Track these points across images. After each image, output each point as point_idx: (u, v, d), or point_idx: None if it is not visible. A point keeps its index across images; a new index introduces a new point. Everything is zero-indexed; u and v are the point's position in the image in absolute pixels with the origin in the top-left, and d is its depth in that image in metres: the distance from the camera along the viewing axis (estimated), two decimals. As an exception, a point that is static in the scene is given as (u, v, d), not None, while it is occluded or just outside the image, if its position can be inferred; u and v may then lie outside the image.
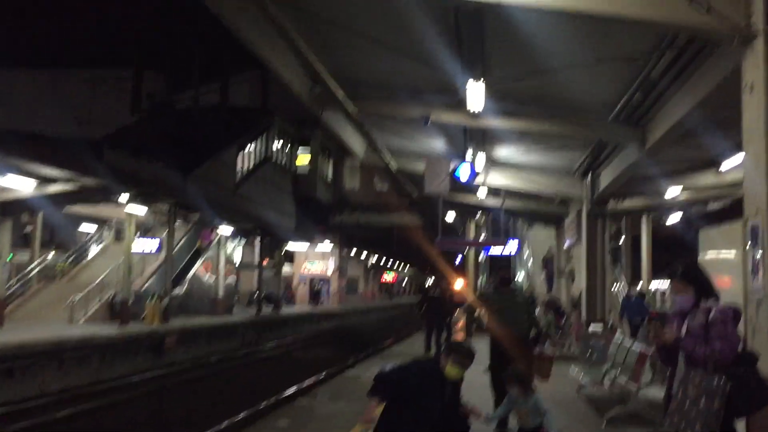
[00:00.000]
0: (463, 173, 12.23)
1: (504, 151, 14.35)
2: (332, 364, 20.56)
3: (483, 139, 13.33)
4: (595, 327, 13.15)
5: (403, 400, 5.45)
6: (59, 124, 18.57)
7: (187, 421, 12.51)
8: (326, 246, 44.90)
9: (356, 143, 15.51)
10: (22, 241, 29.52)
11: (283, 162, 35.10)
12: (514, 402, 5.90)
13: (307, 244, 41.60)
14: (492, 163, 14.92)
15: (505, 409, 6.12)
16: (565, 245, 19.45)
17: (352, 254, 50.86)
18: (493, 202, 19.81)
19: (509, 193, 17.59)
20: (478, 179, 14.65)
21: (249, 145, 30.51)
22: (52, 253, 29.16)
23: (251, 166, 30.69)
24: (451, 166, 12.91)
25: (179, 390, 16.61)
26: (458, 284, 37.03)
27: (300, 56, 9.33)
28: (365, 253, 54.06)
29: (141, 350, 19.92)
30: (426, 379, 5.53)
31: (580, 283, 14.60)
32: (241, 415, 12.67)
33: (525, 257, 25.55)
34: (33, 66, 24.92)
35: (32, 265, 26.63)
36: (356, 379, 12.37)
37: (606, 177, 13.48)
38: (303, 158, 37.46)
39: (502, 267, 10.50)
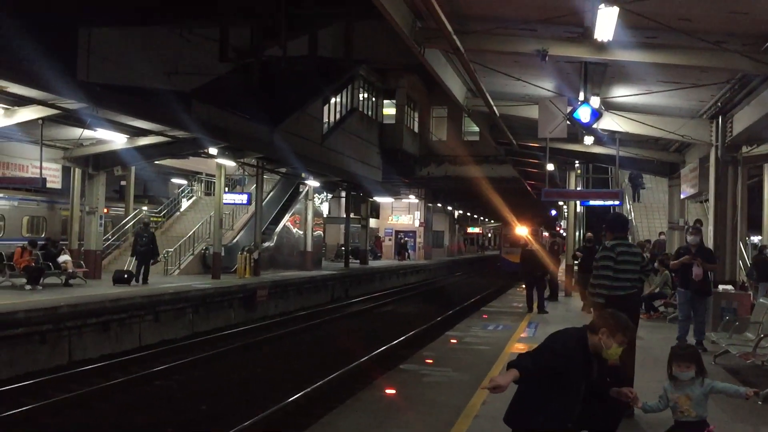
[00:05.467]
0: (584, 114, 11.06)
1: (621, 91, 12.99)
2: (425, 321, 19.97)
3: (602, 78, 12.04)
4: (725, 287, 11.84)
5: (546, 382, 4.57)
6: (150, 77, 18.24)
7: (284, 382, 12.07)
8: (412, 198, 44.22)
9: (456, 87, 14.45)
10: (117, 194, 30.06)
11: (369, 113, 34.44)
12: (680, 388, 4.70)
13: (393, 197, 41.03)
14: (606, 106, 13.58)
15: (665, 401, 4.75)
16: (682, 196, 17.89)
17: (438, 206, 49.95)
18: (600, 150, 18.44)
19: (622, 140, 16.20)
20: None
21: (334, 96, 29.94)
22: (145, 206, 29.58)
23: (337, 117, 30.17)
24: (568, 109, 11.77)
25: (272, 344, 16.36)
26: (521, 230, 37.10)
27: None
28: (451, 206, 53.02)
29: (234, 303, 19.82)
30: (573, 357, 4.62)
31: (707, 237, 13.20)
32: (341, 377, 12.18)
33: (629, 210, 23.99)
34: (124, 23, 24.96)
35: (127, 218, 27.04)
36: (460, 341, 11.61)
37: (743, 119, 11.98)
38: (389, 109, 36.76)
39: (617, 216, 9.40)
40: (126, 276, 18.48)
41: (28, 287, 16.09)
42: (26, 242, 17.52)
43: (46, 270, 16.99)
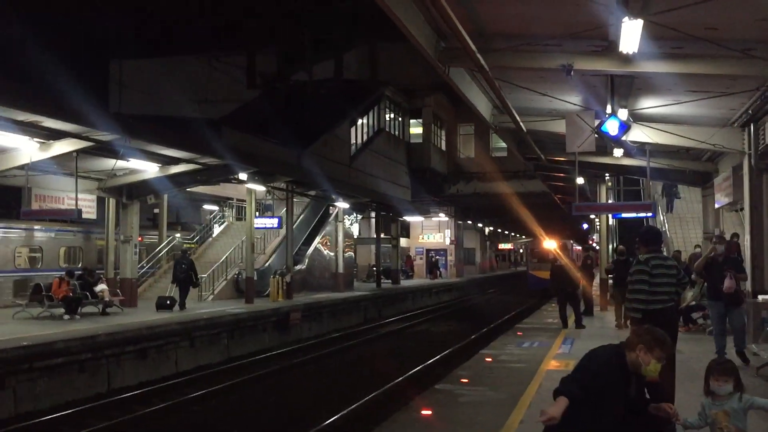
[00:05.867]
0: (611, 127, 10.97)
1: (649, 103, 12.89)
2: (459, 339, 19.85)
3: (629, 90, 11.97)
4: (764, 297, 11.59)
5: (584, 400, 4.53)
6: (180, 106, 18.63)
7: (320, 404, 12.07)
8: (442, 217, 44.14)
9: (482, 104, 14.47)
10: (150, 222, 30.51)
11: (396, 133, 34.60)
12: (718, 403, 4.57)
13: (423, 216, 41.01)
14: (634, 118, 13.48)
15: (704, 417, 4.59)
16: (716, 205, 17.60)
17: (468, 224, 49.74)
18: (630, 162, 18.26)
19: (652, 151, 16.02)
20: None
21: (361, 118, 30.16)
22: (179, 233, 29.96)
23: (364, 138, 30.35)
24: (595, 123, 11.71)
25: (307, 367, 16.39)
26: (549, 244, 34.77)
27: (428, 7, 8.42)
28: (481, 223, 52.76)
29: (268, 327, 19.92)
30: (611, 376, 4.57)
31: (744, 247, 12.95)
32: (376, 398, 12.16)
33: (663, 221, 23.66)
34: (154, 54, 25.58)
35: (161, 246, 27.41)
36: (495, 359, 11.52)
37: (776, 125, 11.81)
38: (415, 128, 36.90)
39: (649, 228, 9.30)
40: (168, 302, 18.99)
41: (66, 317, 16.36)
42: (63, 273, 17.85)
43: (84, 299, 17.26)
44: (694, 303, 14.23)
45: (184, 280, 19.70)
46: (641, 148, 15.67)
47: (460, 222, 46.92)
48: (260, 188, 23.64)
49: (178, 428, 10.85)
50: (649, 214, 19.09)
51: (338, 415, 10.66)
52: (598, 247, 26.74)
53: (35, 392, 11.97)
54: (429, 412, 7.59)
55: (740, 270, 10.15)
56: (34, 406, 11.71)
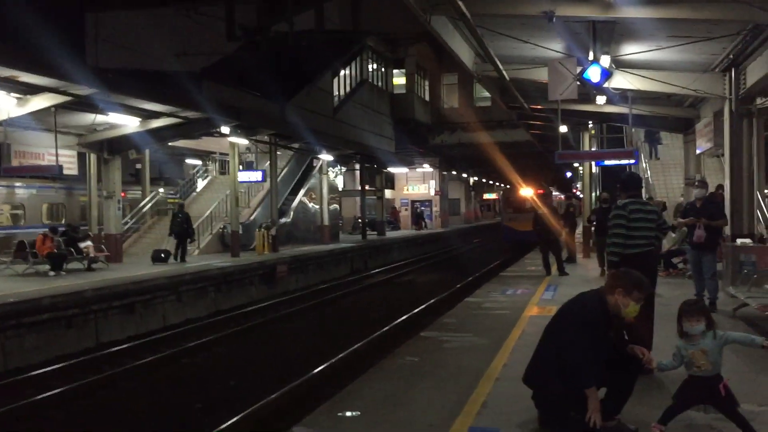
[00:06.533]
0: (593, 74, 10.95)
1: (631, 49, 12.85)
2: (444, 288, 20.11)
3: (611, 36, 11.91)
4: (742, 241, 11.78)
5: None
6: (159, 59, 18.34)
7: (309, 354, 12.25)
8: (427, 168, 44.16)
9: (465, 54, 14.37)
10: (133, 177, 30.29)
11: (379, 84, 34.31)
12: (693, 343, 4.68)
13: (407, 167, 40.99)
14: (616, 64, 13.45)
15: (679, 358, 4.69)
16: (698, 151, 17.73)
17: (453, 174, 49.81)
18: (613, 109, 18.28)
19: (634, 98, 16.02)
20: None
21: (344, 69, 29.84)
22: (162, 188, 29.79)
23: (347, 90, 30.09)
24: (577, 70, 11.67)
25: (294, 319, 16.58)
26: (526, 192, 32.44)
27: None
28: (466, 173, 52.82)
29: (254, 280, 20.04)
30: (599, 323, 4.70)
31: (725, 192, 13.10)
32: (363, 347, 12.37)
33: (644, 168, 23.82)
34: (130, 6, 25.01)
35: (144, 201, 27.27)
36: (479, 306, 11.70)
37: (756, 70, 11.81)
38: (399, 79, 36.59)
39: (630, 174, 9.38)
40: (163, 255, 19.60)
41: (51, 273, 16.35)
42: (47, 229, 17.77)
43: (69, 256, 17.24)
44: (675, 248, 14.44)
45: (180, 234, 20.23)
46: (623, 95, 15.68)
47: (445, 173, 46.96)
48: (243, 142, 23.47)
49: (169, 380, 10.99)
50: (632, 161, 19.15)
51: (326, 364, 10.85)
52: (581, 196, 26.90)
53: (24, 348, 12.05)
54: (415, 359, 7.73)
55: (719, 216, 10.26)
56: (24, 362, 11.79)
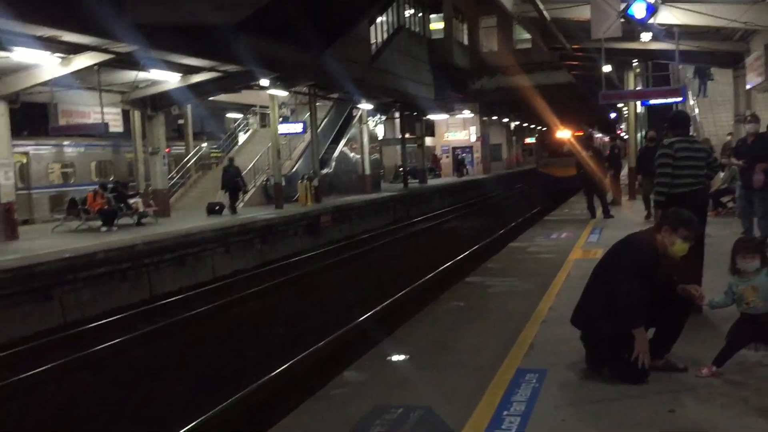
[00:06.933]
0: (638, 10, 10.61)
1: (676, -17, 12.40)
2: (488, 234, 20.11)
3: (657, -31, 11.51)
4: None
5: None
6: (196, 13, 18.23)
7: (356, 302, 12.46)
8: (467, 114, 43.65)
9: (504, -7, 14.04)
10: (176, 133, 30.70)
11: (417, 30, 33.77)
12: (745, 280, 4.54)
13: (447, 113, 40.57)
14: (660, -1, 12.99)
15: (731, 295, 4.65)
16: (747, 86, 17.14)
17: (494, 119, 49.15)
18: (658, 46, 17.72)
19: (681, 34, 15.47)
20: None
21: (380, 16, 29.41)
22: (205, 143, 30.17)
23: (385, 37, 29.71)
24: (621, 6, 11.31)
25: (340, 268, 16.82)
26: (563, 133, 29.51)
27: None
28: (507, 118, 52.03)
29: (299, 231, 20.32)
30: (648, 265, 4.68)
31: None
32: (410, 293, 12.53)
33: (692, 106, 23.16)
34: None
35: (188, 156, 27.67)
36: (523, 251, 11.70)
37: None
38: (436, 23, 35.95)
39: (677, 112, 9.09)
40: (217, 207, 20.39)
41: (103, 229, 16.83)
42: (97, 186, 18.21)
43: (119, 211, 17.69)
44: (724, 186, 14.12)
45: (232, 187, 20.93)
46: (669, 31, 15.14)
47: (485, 118, 46.35)
48: (282, 93, 23.51)
49: (220, 330, 11.32)
50: (679, 99, 18.58)
51: (373, 311, 11.05)
52: (627, 137, 26.35)
53: (81, 301, 12.52)
54: (461, 303, 7.82)
55: None
56: (82, 315, 12.26)
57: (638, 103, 22.22)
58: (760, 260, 4.54)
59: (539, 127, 65.22)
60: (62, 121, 20.94)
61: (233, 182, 21.06)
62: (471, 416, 4.29)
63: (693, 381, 4.67)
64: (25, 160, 21.60)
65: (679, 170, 6.53)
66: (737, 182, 13.42)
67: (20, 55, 13.66)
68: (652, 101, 20.58)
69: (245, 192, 22.42)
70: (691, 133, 7.65)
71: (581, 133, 28.52)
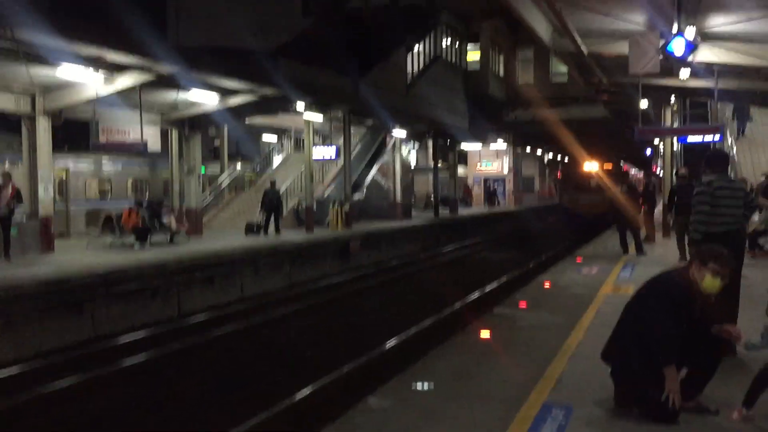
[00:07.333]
0: (677, 47, 10.51)
1: (718, 21, 12.31)
2: (518, 267, 19.94)
3: (697, 7, 11.44)
4: None
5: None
6: (237, 37, 18.61)
7: (382, 328, 12.41)
8: (500, 144, 43.61)
9: (541, 27, 14.08)
10: (212, 154, 31.15)
11: (453, 60, 33.97)
12: None
13: (481, 143, 40.57)
14: (702, 37, 12.88)
15: (767, 337, 4.64)
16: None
17: (527, 151, 49.00)
18: (697, 84, 17.56)
19: (720, 72, 15.34)
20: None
21: (418, 45, 29.68)
22: (239, 164, 30.54)
23: (421, 66, 29.93)
24: (660, 43, 11.25)
25: (367, 293, 16.79)
26: (589, 166, 27.54)
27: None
28: (540, 150, 51.85)
29: (328, 255, 20.37)
30: (682, 302, 4.60)
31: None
32: (436, 323, 12.45)
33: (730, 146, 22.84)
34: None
35: (222, 177, 28.01)
36: (554, 284, 11.57)
37: None
38: (473, 54, 36.10)
39: (716, 151, 8.83)
40: (255, 228, 20.84)
41: (136, 246, 17.06)
42: (133, 203, 18.50)
43: (153, 229, 17.93)
44: (762, 228, 13.87)
45: (272, 209, 21.44)
46: (708, 69, 15.03)
47: (519, 149, 46.25)
48: (317, 118, 23.74)
49: (248, 349, 11.35)
50: (717, 138, 18.31)
51: (398, 337, 11.00)
52: (661, 174, 26.00)
53: (112, 316, 12.67)
54: (488, 335, 7.75)
55: None
56: (112, 329, 12.40)
57: (675, 140, 21.98)
58: None
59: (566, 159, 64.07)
60: (102, 138, 21.36)
61: (273, 205, 21.53)
62: (495, 450, 4.23)
63: (724, 425, 4.56)
64: (64, 176, 22.06)
65: (717, 209, 6.44)
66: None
67: (65, 72, 14.02)
68: (690, 138, 20.32)
69: (281, 215, 22.69)
70: (729, 173, 7.54)
71: (611, 167, 26.85)
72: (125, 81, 15.53)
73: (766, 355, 4.67)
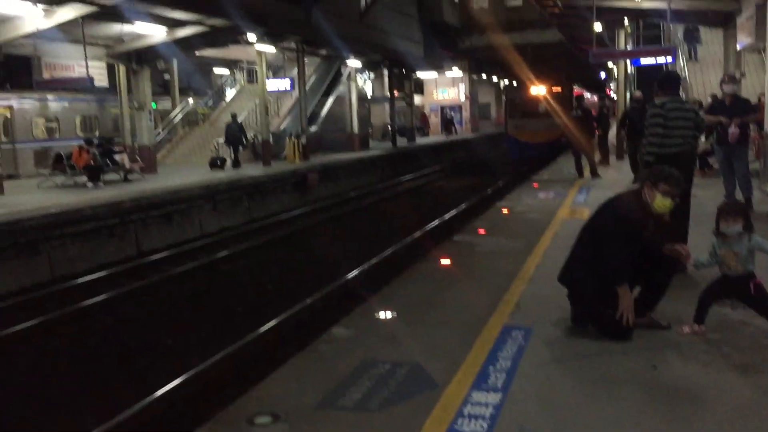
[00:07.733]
0: (631, -31, 10.43)
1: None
2: (475, 194, 20.13)
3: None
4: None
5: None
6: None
7: (345, 260, 12.50)
8: (456, 72, 43.29)
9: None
10: (162, 89, 30.29)
11: (408, -15, 33.26)
12: (727, 243, 4.59)
13: (436, 72, 40.22)
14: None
15: (714, 256, 4.71)
16: (738, 46, 17.07)
17: (483, 78, 48.78)
18: (650, 5, 17.58)
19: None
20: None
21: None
22: (191, 99, 29.81)
23: (375, -8, 29.26)
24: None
25: (327, 225, 16.83)
26: (537, 89, 24.00)
27: None
28: (496, 76, 51.63)
29: (287, 188, 20.26)
30: (634, 223, 4.71)
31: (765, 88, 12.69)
32: (397, 251, 12.58)
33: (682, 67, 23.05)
34: None
35: (175, 112, 27.36)
36: (511, 210, 11.72)
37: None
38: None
39: (668, 73, 8.84)
40: (219, 162, 21.01)
41: (89, 185, 16.71)
42: (82, 141, 18.01)
43: (105, 167, 17.54)
44: (709, 147, 14.15)
45: (235, 142, 21.62)
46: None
47: (475, 77, 46.00)
48: (270, 49, 23.18)
49: (209, 286, 11.36)
50: (669, 60, 18.46)
51: (360, 268, 11.11)
52: (615, 97, 26.17)
53: (69, 257, 12.50)
54: (448, 261, 7.86)
55: (748, 110, 9.90)
56: (70, 270, 12.24)
57: (628, 62, 22.08)
58: (742, 224, 4.57)
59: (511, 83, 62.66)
60: (46, 75, 20.65)
61: (236, 137, 21.63)
62: (457, 372, 4.35)
63: (676, 338, 4.75)
64: (9, 114, 21.29)
65: (669, 131, 6.53)
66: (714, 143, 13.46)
67: (2, 5, 13.35)
68: (643, 61, 20.44)
69: (245, 147, 22.61)
70: (680, 94, 7.63)
71: (560, 89, 24.29)
72: (66, 13, 14.89)
73: (714, 272, 4.85)
